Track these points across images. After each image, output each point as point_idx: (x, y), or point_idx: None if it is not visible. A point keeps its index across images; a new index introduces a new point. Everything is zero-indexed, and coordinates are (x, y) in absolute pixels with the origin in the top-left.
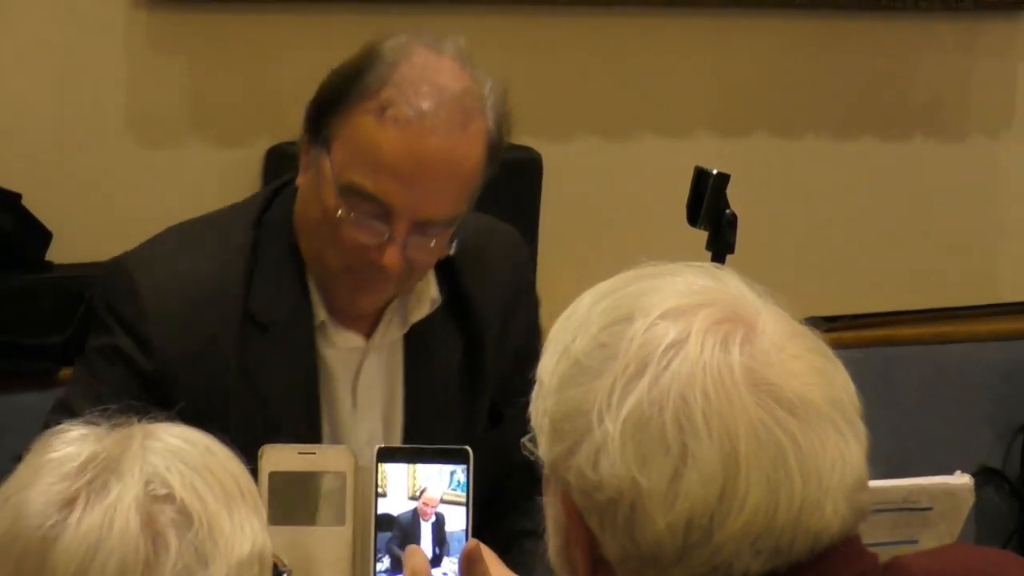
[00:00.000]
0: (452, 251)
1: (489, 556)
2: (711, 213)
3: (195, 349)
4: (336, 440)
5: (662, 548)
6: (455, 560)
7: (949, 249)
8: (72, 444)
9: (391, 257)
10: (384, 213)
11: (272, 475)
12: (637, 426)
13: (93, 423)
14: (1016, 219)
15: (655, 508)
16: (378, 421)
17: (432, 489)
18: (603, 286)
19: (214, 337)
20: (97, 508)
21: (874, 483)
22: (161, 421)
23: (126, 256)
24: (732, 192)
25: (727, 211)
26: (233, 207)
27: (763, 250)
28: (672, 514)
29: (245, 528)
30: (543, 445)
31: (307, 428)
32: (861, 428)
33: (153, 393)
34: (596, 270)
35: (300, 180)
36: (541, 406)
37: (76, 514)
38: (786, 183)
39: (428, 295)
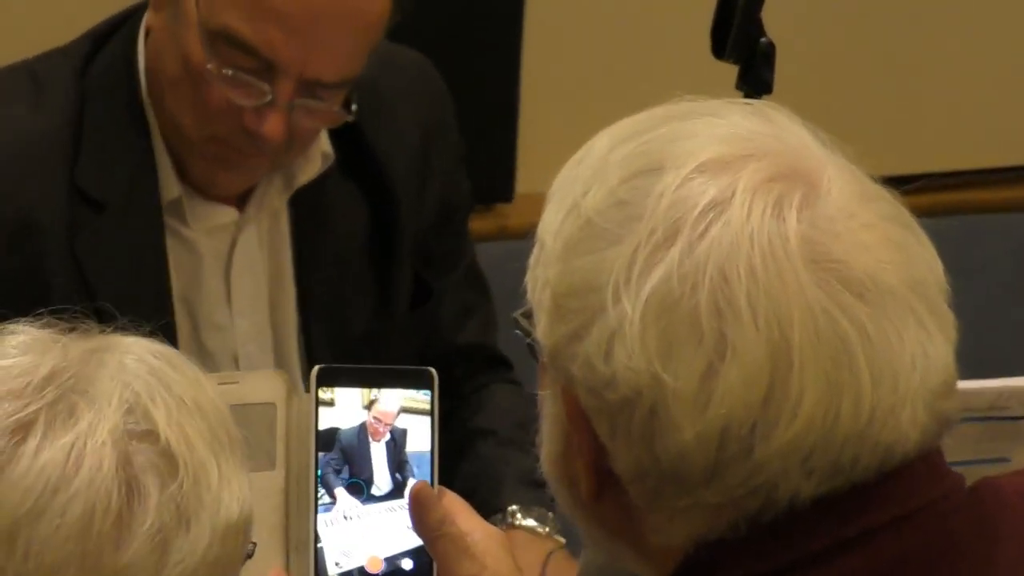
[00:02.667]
0: (349, 118)
1: (456, 504)
2: (741, 42)
3: (4, 228)
4: (204, 345)
5: (688, 464)
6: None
7: None
8: (28, 351)
9: (272, 125)
10: (265, 68)
11: None
12: (663, 308)
13: (48, 325)
14: None
15: (681, 413)
16: (263, 313)
17: (386, 401)
18: (624, 126)
19: (30, 216)
20: (61, 438)
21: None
22: (129, 333)
23: None
24: (768, 16)
25: (762, 40)
26: (52, 52)
27: (810, 90)
28: (703, 421)
29: (233, 485)
30: (542, 325)
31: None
32: (949, 317)
33: None
34: (594, 119)
35: (151, 20)
36: (542, 275)
37: (32, 443)
38: (838, 4)
39: (318, 150)
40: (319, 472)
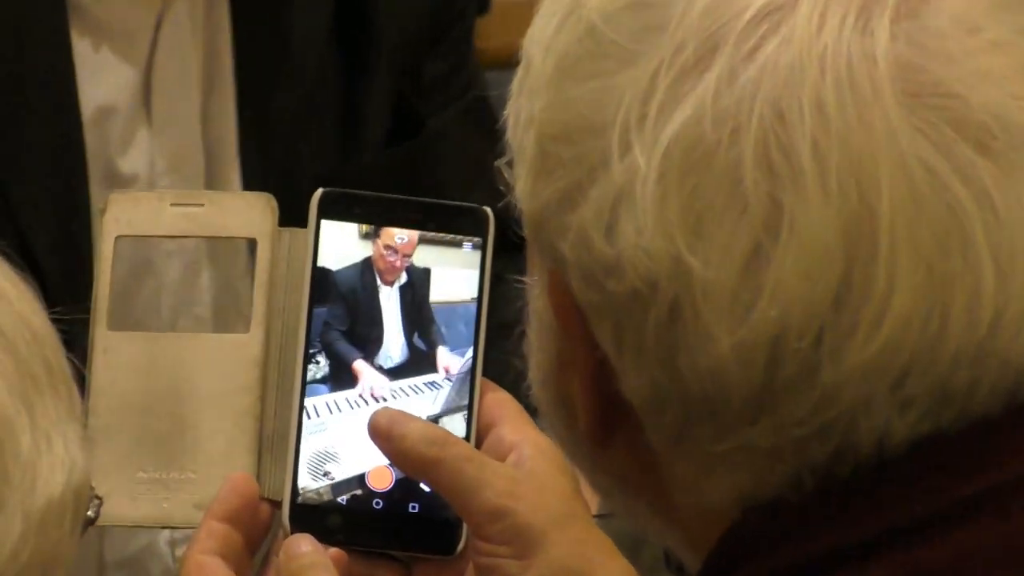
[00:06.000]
0: None
1: (501, 406)
2: None
3: None
4: (118, 169)
5: (726, 389)
6: (462, 355)
7: None
8: None
9: None
10: None
11: (121, 242)
12: (690, 161)
13: None
14: None
15: (715, 315)
16: (193, 128)
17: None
18: None
19: None
20: None
21: None
22: None
23: None
24: None
25: None
26: None
27: None
28: (746, 328)
29: (55, 443)
30: (523, 182)
31: (58, 145)
32: None
33: None
34: None
35: None
36: (526, 108)
37: None
38: None
39: None
40: (310, 335)
